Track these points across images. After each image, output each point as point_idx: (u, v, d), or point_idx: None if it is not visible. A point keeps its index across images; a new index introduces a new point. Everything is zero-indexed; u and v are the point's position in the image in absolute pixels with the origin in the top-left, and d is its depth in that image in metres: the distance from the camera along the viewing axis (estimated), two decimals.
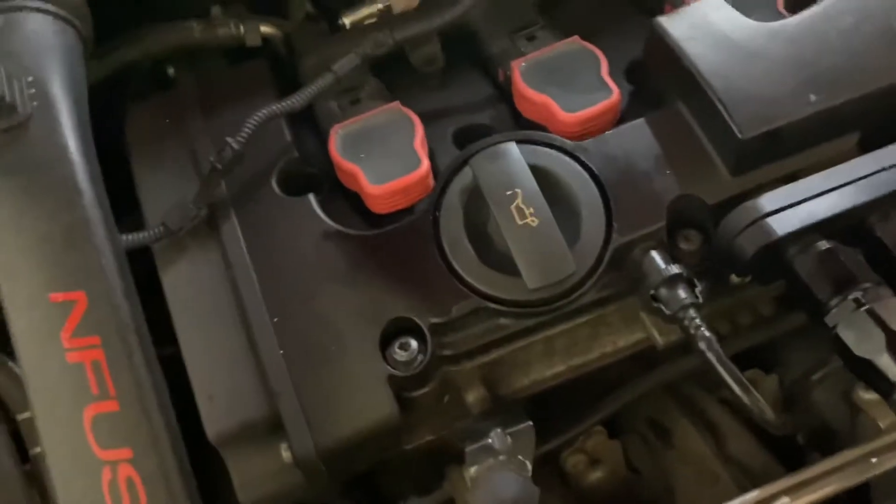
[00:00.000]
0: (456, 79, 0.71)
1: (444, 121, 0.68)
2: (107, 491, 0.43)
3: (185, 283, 0.60)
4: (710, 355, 0.53)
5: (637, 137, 0.60)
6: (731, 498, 0.56)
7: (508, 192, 0.57)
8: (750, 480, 0.61)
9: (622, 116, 0.64)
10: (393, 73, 0.70)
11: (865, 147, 0.59)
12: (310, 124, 0.69)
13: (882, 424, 0.58)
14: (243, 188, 0.63)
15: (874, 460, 0.55)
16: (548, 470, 0.68)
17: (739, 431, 0.65)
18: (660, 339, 0.61)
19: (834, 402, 0.65)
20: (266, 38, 0.72)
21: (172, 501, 0.44)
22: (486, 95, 0.69)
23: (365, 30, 0.69)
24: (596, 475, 0.68)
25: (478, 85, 0.70)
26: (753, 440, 0.64)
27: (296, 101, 0.62)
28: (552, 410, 0.67)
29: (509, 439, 0.55)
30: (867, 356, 0.50)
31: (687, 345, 0.58)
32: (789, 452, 0.69)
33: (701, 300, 0.56)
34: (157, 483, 0.44)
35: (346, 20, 0.70)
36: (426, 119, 0.66)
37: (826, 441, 0.66)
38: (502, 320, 0.58)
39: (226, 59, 0.74)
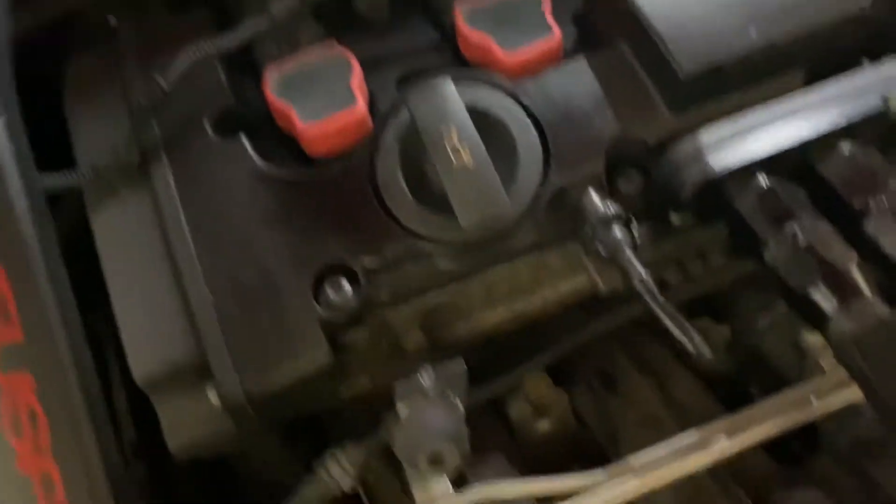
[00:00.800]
0: (402, 24, 0.69)
1: (388, 67, 0.66)
2: (8, 416, 0.41)
3: (114, 226, 0.59)
4: (643, 292, 0.52)
5: (577, 77, 0.59)
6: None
7: (443, 130, 0.56)
8: (694, 424, 0.60)
9: (569, 56, 0.63)
10: (338, 19, 0.69)
11: (810, 82, 0.58)
12: (252, 70, 0.68)
13: (825, 366, 0.57)
14: (177, 131, 0.61)
15: (814, 401, 0.55)
16: (493, 420, 0.67)
17: (685, 376, 0.64)
18: (602, 284, 0.60)
19: (783, 348, 0.64)
20: None
21: (76, 432, 0.43)
22: (432, 41, 0.68)
23: None
24: (543, 426, 0.67)
25: (424, 31, 0.68)
26: (699, 385, 0.63)
27: (228, 41, 0.61)
28: (497, 358, 0.66)
29: (439, 378, 0.53)
30: (802, 290, 0.49)
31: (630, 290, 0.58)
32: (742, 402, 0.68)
33: (638, 240, 0.55)
34: (59, 412, 0.42)
35: None
36: (370, 65, 0.64)
37: (778, 389, 0.66)
38: (438, 262, 0.57)
39: (169, 9, 0.73)
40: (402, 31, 0.69)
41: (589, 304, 0.64)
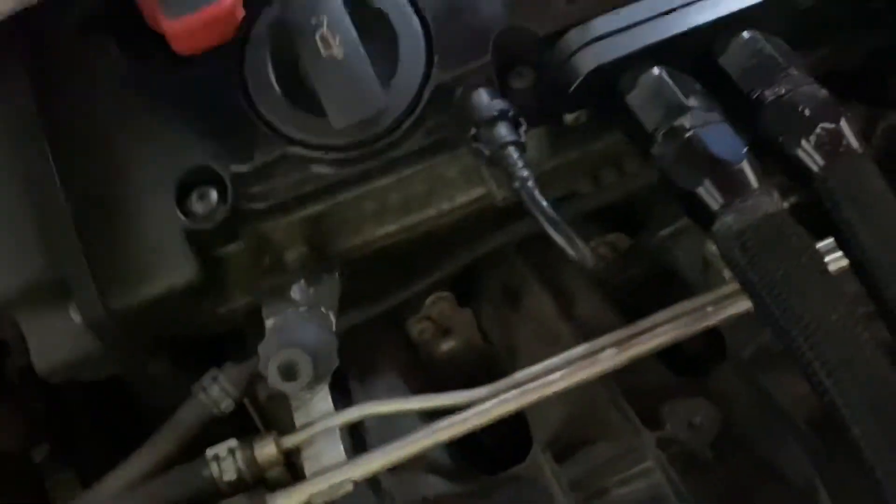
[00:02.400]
0: None
1: None
2: None
3: None
4: (523, 194, 0.48)
5: None
6: None
7: (314, 20, 0.51)
8: (591, 337, 0.57)
9: None
10: None
11: None
12: None
13: (726, 275, 0.54)
14: (35, 27, 0.56)
15: (710, 310, 0.52)
16: (393, 337, 0.64)
17: (588, 292, 0.61)
18: (498, 194, 0.56)
19: (688, 258, 0.61)
20: None
21: None
22: None
23: None
24: (448, 345, 0.65)
25: None
26: (600, 298, 0.60)
27: None
28: (395, 274, 0.63)
29: (311, 291, 0.50)
30: (687, 186, 0.45)
31: None
32: None
33: (524, 139, 0.51)
34: None
35: None
36: None
37: None
38: (315, 168, 0.53)
39: None
40: None
41: (497, 216, 0.61)
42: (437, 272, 0.60)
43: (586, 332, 0.55)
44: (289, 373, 0.45)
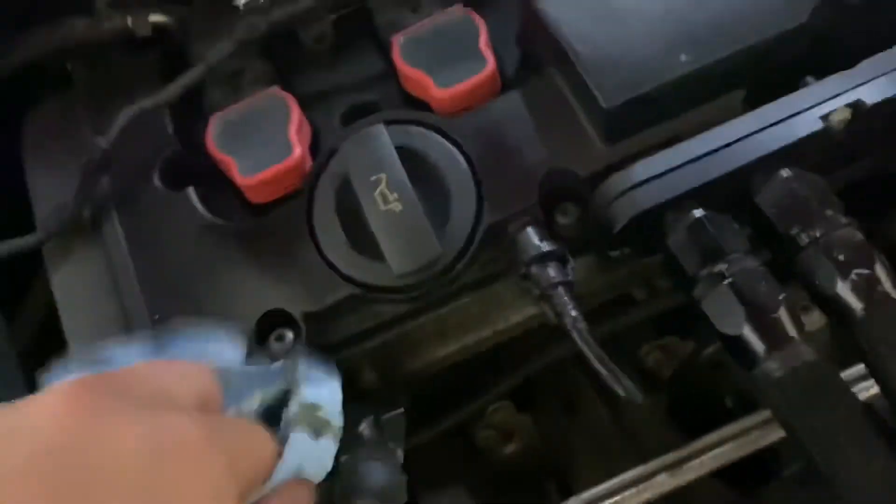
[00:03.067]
0: (348, 55, 0.69)
1: (333, 101, 0.66)
2: None
3: (71, 285, 0.61)
4: (574, 335, 0.51)
5: (510, 110, 0.58)
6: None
7: (373, 178, 0.55)
8: (646, 452, 0.59)
9: (512, 87, 0.62)
10: (282, 55, 0.69)
11: (753, 104, 0.56)
12: (204, 116, 0.68)
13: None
14: (127, 185, 0.63)
15: (758, 433, 0.54)
16: (461, 446, 0.68)
17: (639, 405, 0.63)
18: (552, 316, 0.60)
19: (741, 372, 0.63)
20: (160, 27, 0.71)
21: None
22: (377, 72, 0.67)
23: (257, 10, 0.68)
24: (510, 448, 0.68)
25: (369, 62, 0.68)
26: (655, 412, 0.63)
27: (167, 94, 0.61)
28: (459, 390, 0.66)
29: (378, 427, 0.54)
30: (729, 331, 0.48)
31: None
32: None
33: (572, 278, 0.54)
34: None
35: (239, 1, 0.69)
36: (314, 100, 0.64)
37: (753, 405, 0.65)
38: (377, 307, 0.58)
39: (128, 51, 0.74)
40: (348, 64, 0.68)
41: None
42: (497, 388, 0.63)
43: (641, 448, 0.58)
44: None
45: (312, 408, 0.48)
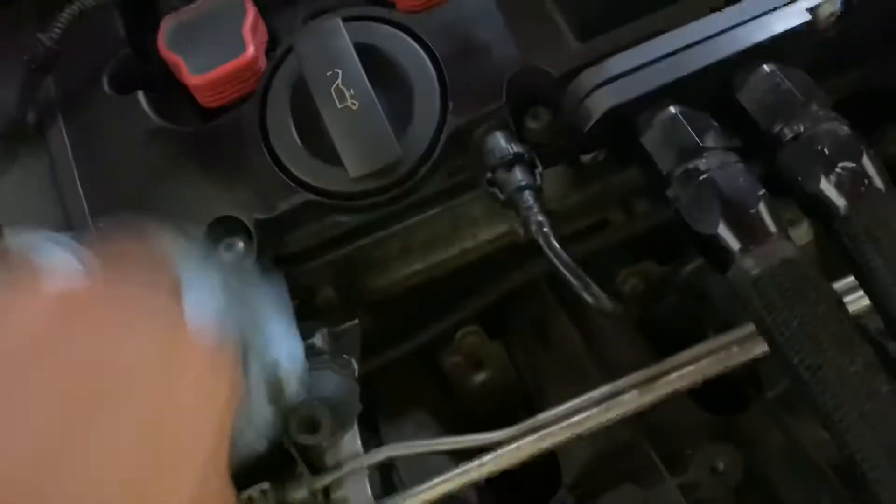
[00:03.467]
0: None
1: (295, 6, 0.63)
2: None
3: (13, 190, 0.58)
4: (539, 240, 0.48)
5: (478, 5, 0.54)
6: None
7: (328, 73, 0.52)
8: (619, 374, 0.56)
9: None
10: None
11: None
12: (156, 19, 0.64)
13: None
14: (73, 89, 0.59)
15: (736, 349, 0.51)
16: (423, 372, 0.65)
17: (616, 328, 0.60)
18: (521, 231, 0.56)
19: (723, 291, 0.60)
20: None
21: None
22: None
23: None
24: (480, 377, 0.65)
25: None
26: (628, 336, 0.60)
27: None
28: (426, 311, 0.63)
29: (332, 338, 0.51)
30: (704, 230, 0.44)
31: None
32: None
33: (539, 182, 0.50)
34: None
35: None
36: (278, 6, 0.61)
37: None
38: (337, 216, 0.54)
39: None
40: None
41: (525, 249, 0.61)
42: (465, 309, 0.60)
43: (613, 370, 0.55)
44: (310, 426, 0.46)
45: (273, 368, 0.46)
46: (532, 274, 0.59)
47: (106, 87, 0.59)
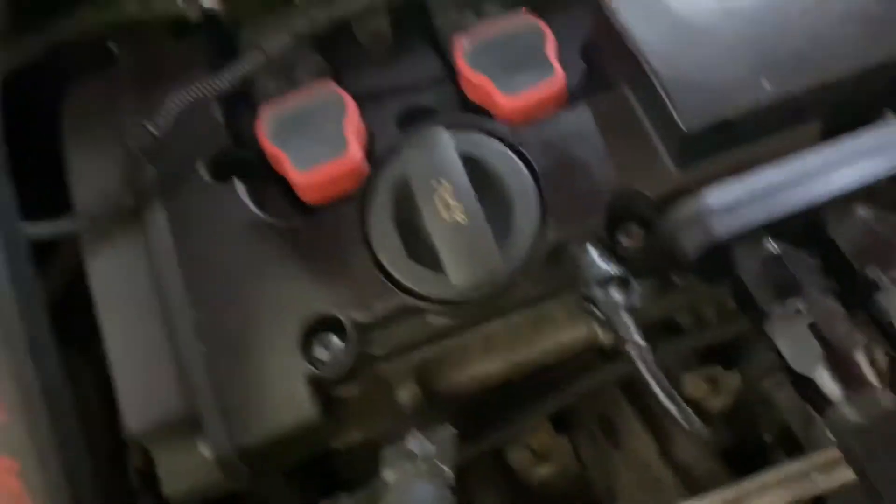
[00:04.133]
0: (406, 56, 0.67)
1: (389, 103, 0.64)
2: None
3: (110, 274, 0.58)
4: (639, 363, 0.50)
5: (578, 124, 0.56)
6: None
7: (434, 183, 0.54)
8: (695, 487, 0.58)
9: (576, 99, 0.60)
10: (338, 50, 0.67)
11: (829, 134, 0.54)
12: (252, 107, 0.66)
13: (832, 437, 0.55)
14: (173, 175, 0.60)
15: (817, 476, 0.52)
16: (493, 466, 0.66)
17: (687, 436, 0.62)
18: (604, 337, 0.58)
19: (793, 405, 0.61)
20: (210, 13, 0.69)
21: None
22: (435, 75, 0.65)
23: (316, 3, 0.66)
24: (544, 471, 0.66)
25: (428, 63, 0.66)
26: (700, 446, 0.61)
27: (220, 81, 0.59)
28: (496, 406, 0.65)
29: (428, 443, 0.52)
30: (803, 371, 0.46)
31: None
32: (752, 454, 0.66)
33: (636, 304, 0.52)
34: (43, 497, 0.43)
35: None
36: (370, 100, 0.62)
37: (791, 442, 0.63)
38: (430, 318, 0.56)
39: (174, 34, 0.71)
40: (405, 64, 0.66)
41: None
42: (545, 407, 0.62)
43: (689, 481, 0.56)
44: None
45: None
46: (611, 378, 0.61)
47: (204, 173, 0.60)
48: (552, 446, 0.65)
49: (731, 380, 0.65)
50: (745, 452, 0.67)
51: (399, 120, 0.64)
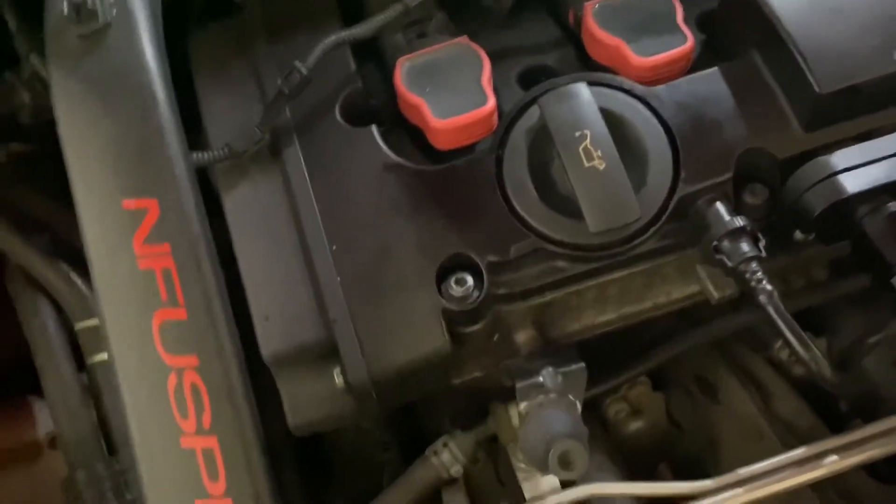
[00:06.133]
0: (524, 18, 0.70)
1: (509, 61, 0.67)
2: (172, 396, 0.44)
3: (246, 206, 0.61)
4: (770, 309, 0.52)
5: (710, 86, 0.59)
6: (775, 454, 0.56)
7: (577, 134, 0.56)
8: (795, 440, 0.61)
9: (693, 66, 0.63)
10: (461, 9, 0.69)
11: None
12: (374, 57, 0.69)
13: None
14: (307, 115, 0.63)
15: None
16: (588, 415, 0.69)
17: (787, 392, 0.65)
18: (715, 293, 0.60)
19: (886, 368, 0.64)
20: None
21: (235, 410, 0.45)
22: (554, 37, 0.68)
23: None
24: (636, 425, 0.69)
25: (546, 25, 0.69)
26: (800, 401, 0.64)
27: (364, 28, 0.62)
28: (598, 357, 0.67)
29: (560, 378, 0.55)
30: None
31: (738, 301, 0.58)
32: (832, 419, 0.69)
33: (764, 254, 0.55)
34: (220, 391, 0.45)
35: None
36: (492, 58, 0.65)
37: (872, 408, 0.66)
38: (560, 263, 0.58)
39: None
40: (524, 24, 0.69)
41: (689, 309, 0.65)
42: (648, 362, 0.64)
43: (791, 435, 0.59)
44: (566, 462, 0.50)
45: None
46: (721, 331, 0.63)
47: (339, 117, 0.63)
48: (648, 402, 0.68)
49: (818, 346, 0.67)
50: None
51: (520, 78, 0.67)
